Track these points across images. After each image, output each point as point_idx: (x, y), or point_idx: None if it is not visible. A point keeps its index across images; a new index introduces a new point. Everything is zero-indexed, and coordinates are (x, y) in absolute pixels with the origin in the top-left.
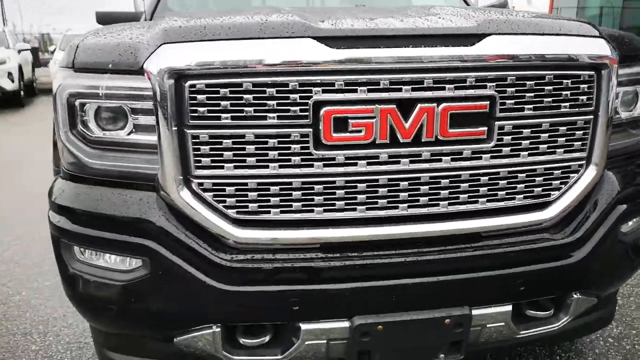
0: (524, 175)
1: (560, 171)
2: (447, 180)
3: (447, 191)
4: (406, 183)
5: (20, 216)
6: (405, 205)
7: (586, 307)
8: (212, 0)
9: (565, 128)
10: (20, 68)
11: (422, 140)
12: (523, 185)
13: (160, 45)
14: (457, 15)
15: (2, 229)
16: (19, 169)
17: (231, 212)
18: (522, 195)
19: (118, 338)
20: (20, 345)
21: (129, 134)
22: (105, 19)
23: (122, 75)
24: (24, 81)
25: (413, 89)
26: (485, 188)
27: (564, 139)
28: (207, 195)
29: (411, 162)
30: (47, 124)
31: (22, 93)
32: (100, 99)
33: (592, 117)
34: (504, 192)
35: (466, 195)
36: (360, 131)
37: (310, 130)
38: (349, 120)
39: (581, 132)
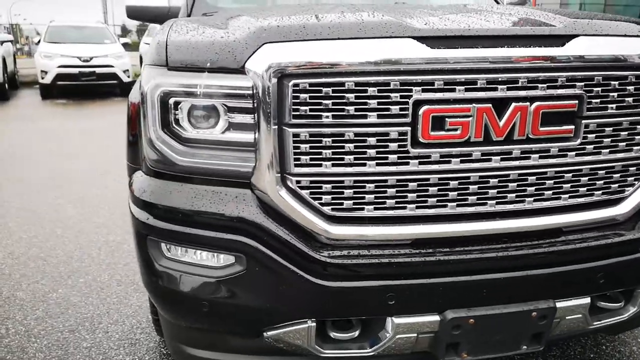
0: (604, 172)
1: (635, 168)
2: (534, 177)
3: (533, 188)
4: (496, 180)
5: (30, 212)
6: (494, 202)
7: None
8: None
9: None
10: (3, 60)
11: (514, 138)
12: (602, 181)
13: (263, 44)
14: (524, 15)
15: (16, 226)
16: (20, 161)
17: (326, 209)
18: (600, 192)
19: (198, 333)
20: (71, 342)
21: (223, 132)
22: (135, 13)
23: (222, 74)
24: (7, 74)
25: (508, 88)
26: (568, 185)
27: None
28: (304, 193)
29: (502, 159)
30: (35, 112)
31: (6, 86)
32: (197, 98)
33: None
34: (584, 189)
35: (550, 192)
36: (456, 129)
37: (409, 128)
38: (446, 119)
39: None
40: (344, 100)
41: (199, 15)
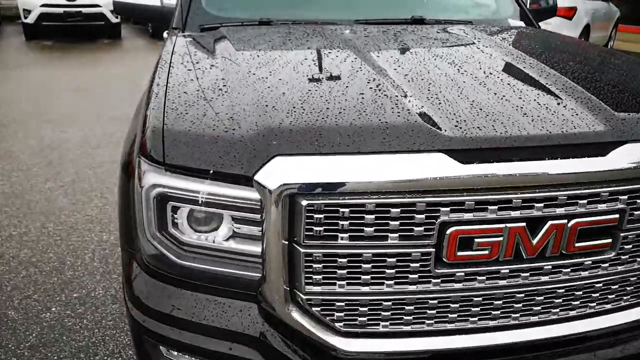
0: (636, 278)
1: None
2: (563, 290)
3: (561, 300)
4: (522, 295)
5: (19, 199)
6: (518, 314)
7: None
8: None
9: None
10: None
11: (546, 255)
12: (633, 287)
13: (274, 157)
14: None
15: (6, 219)
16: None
17: (339, 325)
18: (630, 296)
19: None
20: None
21: (226, 239)
22: (124, 9)
23: (227, 183)
24: None
25: (545, 206)
26: (598, 294)
27: None
28: (315, 310)
29: (531, 275)
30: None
31: None
32: (198, 205)
33: None
34: (614, 295)
35: (579, 302)
36: (485, 249)
37: (433, 250)
38: (475, 239)
39: None
40: (364, 222)
41: (196, 27)
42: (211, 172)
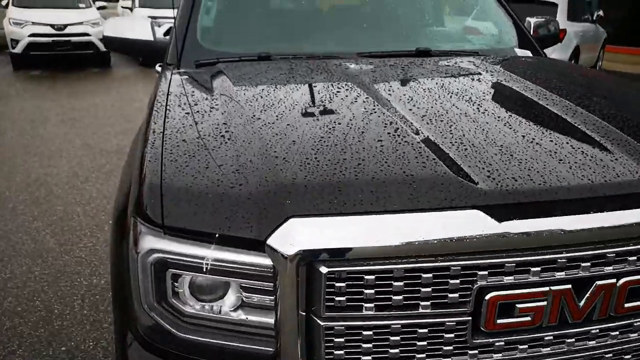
0: None
1: None
2: (611, 355)
3: None
4: None
5: (5, 240)
6: None
7: None
8: (249, 31)
9: None
10: None
11: (593, 319)
12: None
13: (287, 219)
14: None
15: None
16: None
17: None
18: None
19: None
20: None
21: (234, 309)
22: (115, 45)
23: (235, 248)
24: None
25: (592, 265)
26: None
27: None
28: None
29: (577, 341)
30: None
31: None
32: (203, 273)
33: None
34: None
35: None
36: (527, 315)
37: (470, 318)
38: (516, 305)
39: None
40: (391, 289)
41: (191, 63)
42: (217, 235)
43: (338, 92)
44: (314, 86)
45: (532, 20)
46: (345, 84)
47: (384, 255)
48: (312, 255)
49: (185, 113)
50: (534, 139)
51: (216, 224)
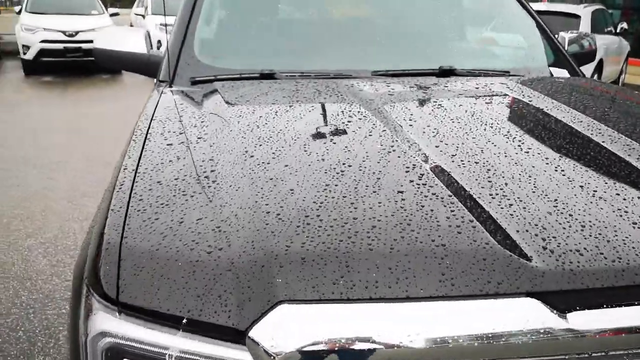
0: None
1: None
2: None
3: None
4: None
5: None
6: None
7: None
8: (252, 45)
9: None
10: None
11: None
12: None
13: (278, 304)
14: None
15: None
16: None
17: None
18: None
19: None
20: None
21: None
22: (106, 58)
23: (206, 337)
24: None
25: None
26: None
27: None
28: None
29: None
30: (16, 94)
31: None
32: None
33: None
34: None
35: None
36: None
37: None
38: None
39: None
40: None
41: (186, 80)
42: (184, 320)
43: (349, 123)
44: (321, 115)
45: (567, 35)
46: (359, 112)
47: (407, 356)
48: (310, 358)
49: (167, 145)
50: (595, 192)
51: (185, 303)
